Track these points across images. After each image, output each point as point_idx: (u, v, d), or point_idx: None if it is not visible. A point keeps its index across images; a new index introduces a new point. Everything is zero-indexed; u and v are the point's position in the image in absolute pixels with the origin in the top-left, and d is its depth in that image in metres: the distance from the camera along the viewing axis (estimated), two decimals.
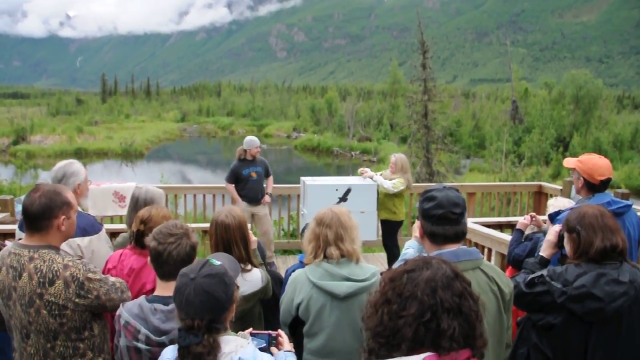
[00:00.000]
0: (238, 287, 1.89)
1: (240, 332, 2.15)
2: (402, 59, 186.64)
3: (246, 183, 6.84)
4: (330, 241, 2.59)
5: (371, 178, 6.44)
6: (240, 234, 2.80)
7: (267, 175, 7.12)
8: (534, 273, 2.55)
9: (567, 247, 2.58)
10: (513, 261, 3.88)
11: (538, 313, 2.51)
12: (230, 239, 2.77)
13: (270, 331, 2.24)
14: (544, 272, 2.49)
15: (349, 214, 2.72)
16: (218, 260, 1.89)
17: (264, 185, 7.08)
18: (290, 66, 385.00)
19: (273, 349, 2.17)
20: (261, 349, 2.08)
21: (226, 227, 2.77)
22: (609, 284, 2.33)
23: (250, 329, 2.34)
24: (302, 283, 2.59)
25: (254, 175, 6.89)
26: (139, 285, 2.68)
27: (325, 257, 2.60)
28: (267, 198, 7.11)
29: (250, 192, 6.89)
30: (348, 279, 2.54)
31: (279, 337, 2.21)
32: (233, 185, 6.86)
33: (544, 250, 2.81)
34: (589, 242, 2.42)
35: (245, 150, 6.85)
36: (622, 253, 2.43)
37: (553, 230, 2.80)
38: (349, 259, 2.59)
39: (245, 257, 2.79)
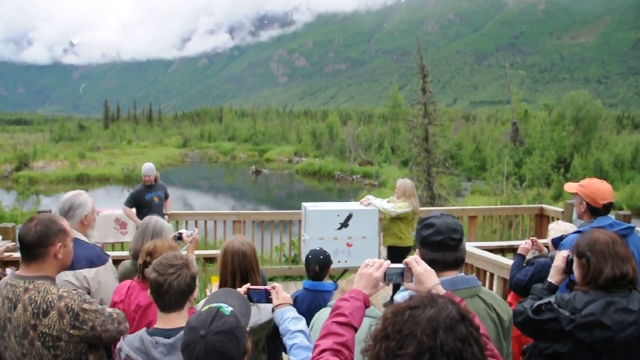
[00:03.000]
0: (250, 334, 1.86)
1: (238, 288, 2.41)
2: (403, 82, 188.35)
3: (149, 208, 7.10)
4: None
5: (368, 205, 6.45)
6: (255, 261, 2.83)
7: (166, 197, 7.53)
8: (541, 299, 2.51)
9: (576, 272, 2.54)
10: (515, 286, 3.85)
11: (545, 341, 2.47)
12: (247, 266, 2.79)
13: (266, 287, 2.49)
14: (552, 299, 2.45)
15: None
16: (228, 304, 1.81)
17: (164, 210, 7.48)
18: (291, 91, 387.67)
19: (273, 300, 2.47)
20: (260, 302, 2.49)
21: (243, 255, 2.79)
22: (618, 313, 2.29)
23: (248, 284, 2.49)
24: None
25: (156, 199, 7.26)
26: (145, 322, 2.66)
27: None
28: (166, 219, 7.32)
29: None
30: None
31: (274, 290, 2.48)
32: (131, 209, 7.17)
33: (552, 277, 2.77)
34: (599, 269, 2.37)
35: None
36: (632, 281, 2.38)
37: (561, 256, 2.76)
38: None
39: (260, 284, 2.79)
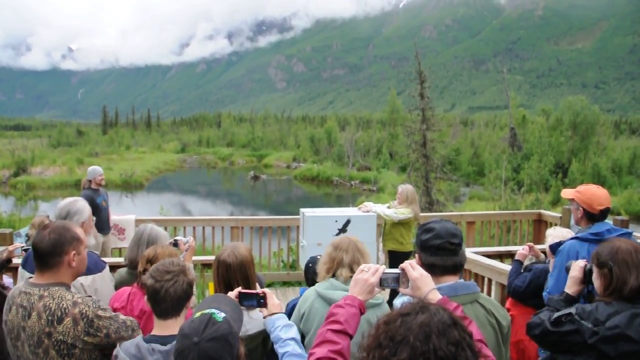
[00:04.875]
0: (243, 341, 1.85)
1: (229, 292, 2.42)
2: (401, 88, 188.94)
3: (100, 212, 6.94)
4: (345, 264, 2.73)
5: (368, 212, 6.45)
6: (242, 274, 2.75)
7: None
8: (558, 311, 2.44)
9: (597, 283, 2.46)
10: (513, 292, 3.86)
11: (565, 354, 2.39)
12: (231, 278, 2.73)
13: (257, 291, 2.46)
14: (572, 310, 2.37)
15: (362, 243, 2.93)
16: (221, 310, 1.81)
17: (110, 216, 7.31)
18: (289, 96, 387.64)
19: (263, 310, 2.44)
20: (250, 307, 2.46)
21: (227, 267, 2.73)
22: None
23: (240, 288, 2.47)
24: (308, 294, 2.73)
25: (104, 204, 7.13)
26: (150, 328, 2.66)
27: (334, 276, 2.75)
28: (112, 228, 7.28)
29: (103, 221, 7.04)
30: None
31: (266, 296, 2.43)
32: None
33: (569, 287, 2.70)
34: (623, 280, 2.31)
35: (89, 181, 7.09)
36: None
37: (577, 266, 2.69)
38: None
39: None
